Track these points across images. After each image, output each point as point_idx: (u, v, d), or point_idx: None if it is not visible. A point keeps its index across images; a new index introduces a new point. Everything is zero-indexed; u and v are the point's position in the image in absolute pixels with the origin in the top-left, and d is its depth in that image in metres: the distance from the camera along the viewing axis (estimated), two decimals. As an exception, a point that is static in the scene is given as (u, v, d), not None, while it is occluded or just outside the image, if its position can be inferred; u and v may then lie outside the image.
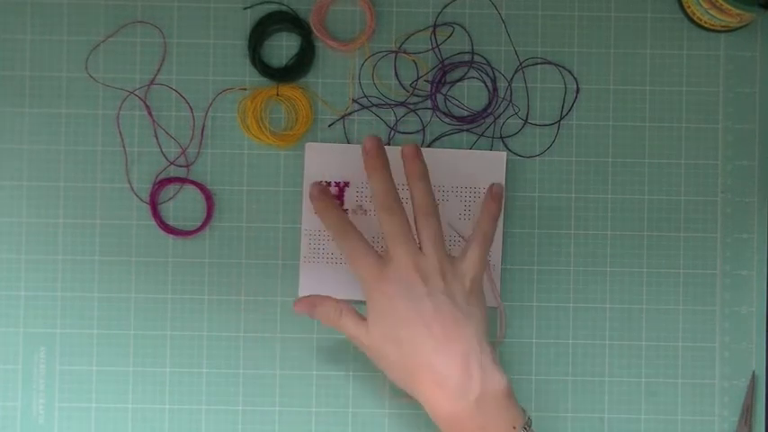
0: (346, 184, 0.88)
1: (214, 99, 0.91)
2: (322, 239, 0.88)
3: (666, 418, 0.90)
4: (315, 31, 0.90)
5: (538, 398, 0.90)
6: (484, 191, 0.87)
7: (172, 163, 0.91)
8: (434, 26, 0.91)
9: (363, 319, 0.81)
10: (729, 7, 0.85)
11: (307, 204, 0.87)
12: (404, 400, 0.86)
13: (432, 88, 0.91)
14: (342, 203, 0.88)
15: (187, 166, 0.91)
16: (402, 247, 0.79)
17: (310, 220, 0.87)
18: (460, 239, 0.88)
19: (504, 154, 0.86)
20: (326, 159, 0.87)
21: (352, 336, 0.81)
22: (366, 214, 0.87)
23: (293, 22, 0.90)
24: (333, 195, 0.87)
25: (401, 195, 0.82)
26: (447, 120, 0.91)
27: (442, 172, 0.86)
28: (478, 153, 0.87)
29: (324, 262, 0.87)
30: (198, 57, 0.91)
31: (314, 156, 0.87)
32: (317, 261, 0.87)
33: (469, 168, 0.87)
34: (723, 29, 0.90)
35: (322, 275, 0.87)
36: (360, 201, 0.87)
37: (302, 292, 0.88)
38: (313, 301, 0.84)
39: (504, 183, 0.87)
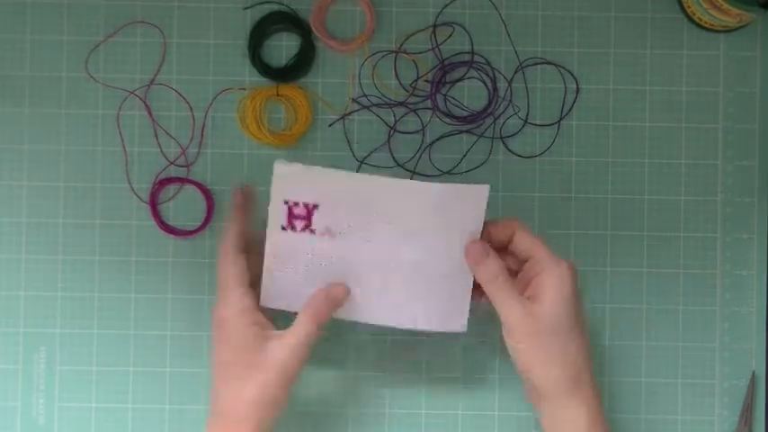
0: (315, 206, 0.82)
1: (214, 99, 0.91)
2: (286, 254, 0.83)
3: (666, 418, 0.90)
4: (315, 31, 0.90)
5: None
6: (466, 224, 0.82)
7: (172, 163, 0.91)
8: (434, 26, 0.91)
9: (518, 294, 0.79)
10: (729, 7, 0.85)
11: (272, 220, 0.82)
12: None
13: (432, 88, 0.91)
14: (309, 225, 0.83)
15: (187, 166, 0.91)
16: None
17: (275, 234, 0.82)
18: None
19: (486, 187, 0.81)
20: (295, 179, 0.81)
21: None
22: (334, 238, 0.82)
23: (293, 22, 0.90)
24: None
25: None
26: (447, 120, 0.91)
27: (422, 206, 0.81)
28: (460, 187, 0.81)
29: (289, 274, 0.83)
30: (198, 57, 0.91)
31: (282, 174, 0.81)
32: (281, 271, 0.83)
33: (451, 202, 0.81)
34: (723, 29, 0.90)
35: (286, 286, 0.84)
36: (328, 225, 0.82)
37: (264, 302, 0.84)
38: (487, 251, 0.81)
39: (483, 216, 0.82)
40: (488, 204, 0.81)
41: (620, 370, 0.90)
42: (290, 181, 0.81)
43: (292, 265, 0.83)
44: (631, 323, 0.91)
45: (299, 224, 0.82)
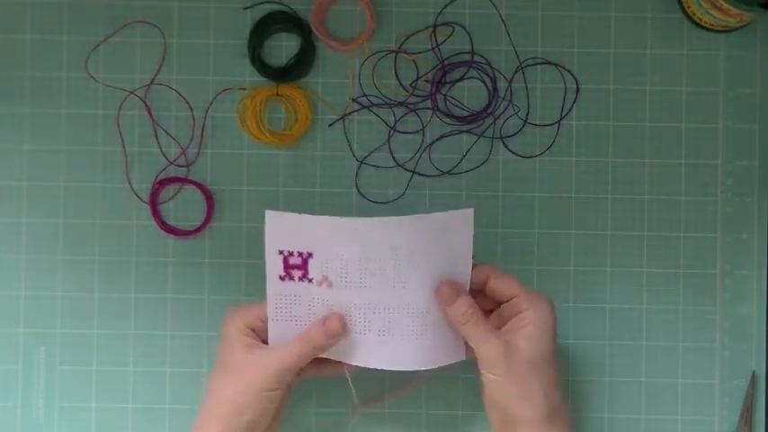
0: (310, 254, 0.81)
1: (214, 99, 0.91)
2: (288, 303, 0.82)
3: (666, 418, 0.90)
4: (315, 31, 0.90)
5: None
6: (456, 251, 0.81)
7: (172, 163, 0.91)
8: (434, 26, 0.91)
9: (493, 329, 0.81)
10: (729, 7, 0.85)
11: (270, 271, 0.81)
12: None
13: (432, 88, 0.91)
14: (307, 273, 0.82)
15: (187, 166, 0.91)
16: None
17: (274, 284, 0.81)
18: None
19: (470, 211, 0.81)
20: (288, 228, 0.80)
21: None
22: (332, 287, 0.81)
23: (293, 22, 0.90)
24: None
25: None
26: (447, 120, 0.91)
27: (411, 240, 0.80)
28: (444, 214, 0.81)
29: (293, 323, 0.83)
30: (198, 57, 0.91)
31: (274, 224, 0.80)
32: (284, 320, 0.82)
33: (438, 231, 0.81)
34: (723, 29, 0.90)
35: (292, 333, 0.82)
36: (325, 273, 0.81)
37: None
38: (458, 291, 0.82)
39: (471, 240, 0.81)
40: (475, 225, 0.81)
41: (620, 370, 0.90)
42: (283, 230, 0.81)
43: (296, 312, 0.82)
44: (631, 323, 0.90)
45: (297, 274, 0.82)
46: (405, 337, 0.82)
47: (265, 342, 0.82)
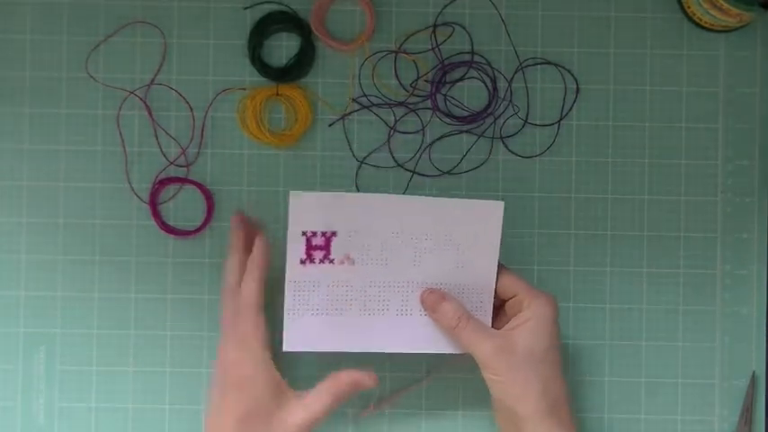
0: (333, 233, 0.82)
1: (214, 99, 0.91)
2: (307, 291, 0.83)
3: (666, 418, 0.90)
4: (315, 31, 0.90)
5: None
6: (480, 240, 0.83)
7: (172, 163, 0.91)
8: (434, 26, 0.91)
9: (485, 329, 0.82)
10: (729, 7, 0.85)
11: (291, 254, 0.82)
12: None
13: (432, 88, 0.91)
14: (328, 254, 0.82)
15: (187, 166, 0.91)
16: None
17: (295, 269, 0.82)
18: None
19: (501, 204, 0.82)
20: (312, 208, 0.81)
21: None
22: (354, 264, 0.83)
23: (293, 22, 0.90)
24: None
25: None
26: (447, 120, 0.91)
27: (438, 223, 0.82)
28: (475, 202, 0.83)
29: (310, 313, 0.83)
30: (198, 57, 0.91)
31: (299, 204, 0.81)
32: (301, 313, 0.83)
33: (466, 218, 0.83)
34: (723, 29, 0.90)
35: (308, 328, 0.83)
36: (347, 251, 0.82)
37: (288, 347, 0.83)
38: (442, 296, 0.83)
39: (500, 232, 0.83)
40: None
41: (620, 370, 0.90)
42: (306, 211, 0.81)
43: (313, 301, 0.83)
44: (631, 323, 0.90)
45: (318, 255, 0.83)
46: (423, 318, 0.83)
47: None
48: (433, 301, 0.83)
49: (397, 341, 0.84)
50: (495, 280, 0.84)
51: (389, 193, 0.91)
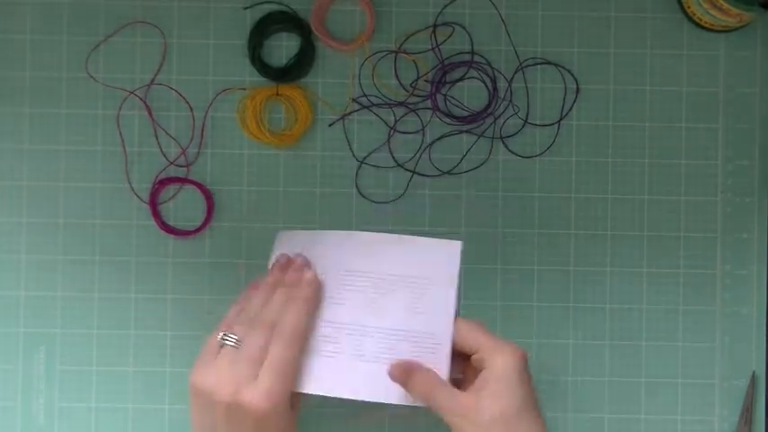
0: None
1: (214, 99, 0.91)
2: None
3: (666, 418, 0.90)
4: (315, 31, 0.90)
5: (538, 397, 0.90)
6: (435, 283, 0.79)
7: (172, 163, 0.91)
8: (434, 26, 0.91)
9: (454, 397, 0.76)
10: (729, 7, 0.85)
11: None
12: None
13: (432, 88, 0.91)
14: None
15: (187, 166, 0.91)
16: None
17: None
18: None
19: (459, 243, 0.79)
20: (295, 247, 0.81)
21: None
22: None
23: (293, 22, 0.90)
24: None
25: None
26: (447, 120, 0.91)
27: (392, 260, 0.79)
28: (432, 242, 0.79)
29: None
30: (198, 57, 0.91)
31: (284, 243, 0.82)
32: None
33: (422, 257, 0.79)
34: (723, 29, 0.90)
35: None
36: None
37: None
38: (410, 368, 0.78)
39: (457, 273, 0.79)
40: (463, 254, 0.80)
41: (620, 370, 0.90)
42: (286, 247, 0.81)
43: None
44: (631, 323, 0.90)
45: None
46: (376, 362, 0.79)
47: None
48: (400, 375, 0.78)
49: (347, 386, 0.79)
50: (452, 327, 0.78)
51: (388, 193, 0.91)
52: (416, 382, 0.77)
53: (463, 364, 0.79)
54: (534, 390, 0.76)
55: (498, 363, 0.75)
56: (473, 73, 0.91)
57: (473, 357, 0.77)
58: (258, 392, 0.75)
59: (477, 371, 0.77)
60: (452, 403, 0.76)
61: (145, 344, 0.90)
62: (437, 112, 0.91)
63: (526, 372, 0.76)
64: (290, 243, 0.83)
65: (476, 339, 0.77)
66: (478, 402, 0.75)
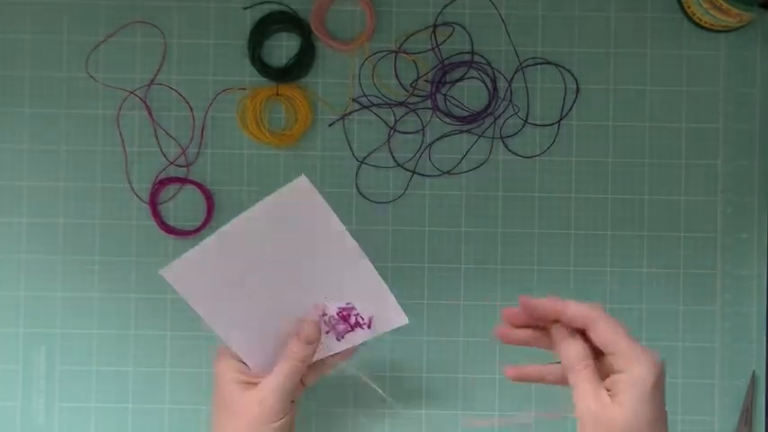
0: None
1: (214, 99, 0.91)
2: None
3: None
4: (315, 31, 0.90)
5: (538, 397, 0.90)
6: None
7: (172, 163, 0.91)
8: (434, 26, 0.91)
9: (598, 389, 0.73)
10: (729, 7, 0.85)
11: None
12: None
13: (432, 88, 0.91)
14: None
15: (187, 166, 0.91)
16: None
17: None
18: None
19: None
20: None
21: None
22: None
23: (293, 22, 0.90)
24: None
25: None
26: (447, 120, 0.91)
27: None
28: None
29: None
30: (198, 57, 0.91)
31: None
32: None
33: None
34: (723, 29, 0.90)
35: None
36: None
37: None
38: (570, 333, 0.75)
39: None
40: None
41: (620, 370, 0.90)
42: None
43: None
44: (631, 323, 0.90)
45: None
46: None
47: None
48: (561, 334, 0.75)
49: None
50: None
51: (388, 193, 0.91)
52: (572, 344, 0.74)
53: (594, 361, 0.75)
54: (665, 403, 0.74)
55: (636, 371, 0.72)
56: (473, 73, 0.91)
57: (608, 358, 0.74)
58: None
59: (605, 374, 0.74)
60: (591, 397, 0.73)
61: (145, 344, 0.90)
62: (437, 112, 0.91)
63: (662, 384, 0.73)
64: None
65: (616, 343, 0.73)
66: (612, 408, 0.72)
